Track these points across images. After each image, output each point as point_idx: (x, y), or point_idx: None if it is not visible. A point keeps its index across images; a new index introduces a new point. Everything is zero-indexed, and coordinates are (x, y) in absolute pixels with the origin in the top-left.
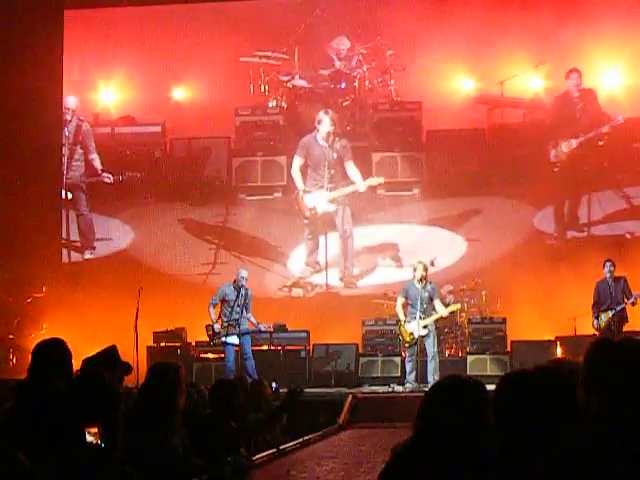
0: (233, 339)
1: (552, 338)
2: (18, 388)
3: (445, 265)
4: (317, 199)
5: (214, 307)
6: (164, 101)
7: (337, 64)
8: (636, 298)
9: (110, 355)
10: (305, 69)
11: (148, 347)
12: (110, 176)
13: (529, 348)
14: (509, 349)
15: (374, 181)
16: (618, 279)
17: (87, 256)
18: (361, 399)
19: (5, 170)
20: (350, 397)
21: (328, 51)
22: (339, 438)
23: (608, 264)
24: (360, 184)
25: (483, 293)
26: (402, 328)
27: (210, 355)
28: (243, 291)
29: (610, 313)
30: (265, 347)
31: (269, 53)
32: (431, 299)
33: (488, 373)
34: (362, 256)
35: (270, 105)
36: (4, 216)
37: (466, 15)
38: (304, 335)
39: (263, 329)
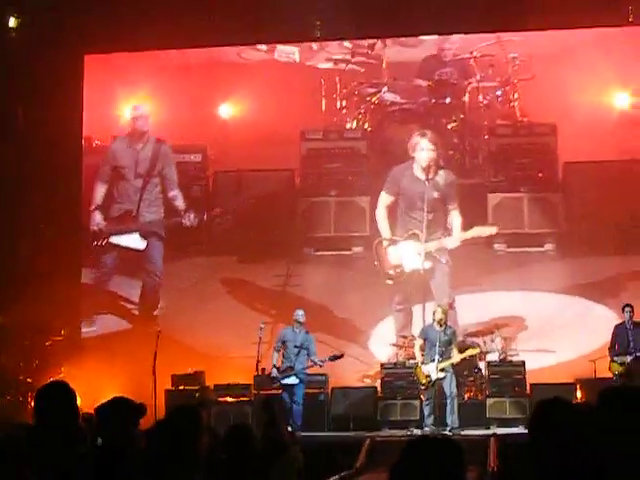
0: (290, 380)
1: (571, 381)
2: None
3: (589, 349)
4: (406, 252)
5: (277, 352)
6: (207, 120)
7: (440, 71)
8: None
9: (122, 402)
10: (397, 78)
11: (166, 390)
12: (192, 216)
13: (549, 391)
14: (529, 392)
15: (480, 231)
16: (636, 325)
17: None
18: (379, 442)
19: (27, 214)
20: (368, 440)
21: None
22: None
23: (627, 309)
24: (455, 236)
25: (500, 336)
26: (419, 370)
27: (229, 399)
28: (299, 333)
29: (628, 358)
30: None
31: (347, 56)
32: (450, 343)
33: (507, 416)
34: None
35: (348, 127)
36: (26, 259)
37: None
38: (323, 379)
39: (317, 361)
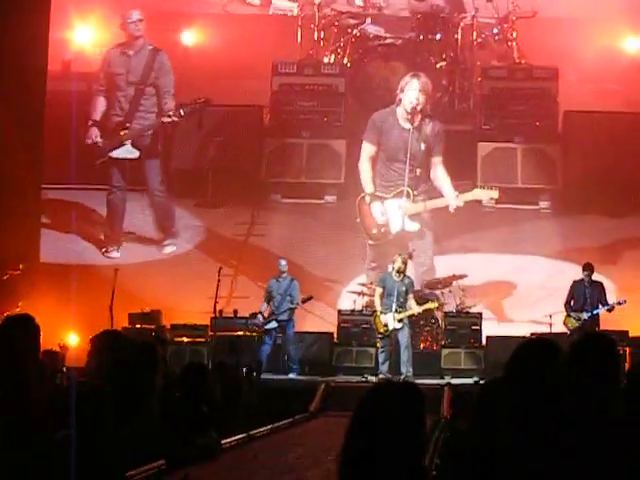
0: (270, 325)
1: (527, 334)
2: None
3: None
4: (392, 211)
5: (266, 302)
6: (168, 48)
7: (431, 3)
8: (613, 305)
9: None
10: (381, 8)
11: (123, 328)
12: (171, 113)
13: (504, 343)
14: (484, 344)
15: (481, 194)
16: (595, 283)
17: (113, 254)
18: (334, 387)
19: None
20: (323, 385)
21: None
22: (310, 426)
23: (588, 269)
24: (452, 197)
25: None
26: (377, 319)
27: (185, 339)
28: (283, 281)
29: (585, 315)
30: (241, 333)
31: None
32: (407, 292)
33: (462, 367)
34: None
35: (326, 61)
36: None
37: None
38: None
39: (292, 305)
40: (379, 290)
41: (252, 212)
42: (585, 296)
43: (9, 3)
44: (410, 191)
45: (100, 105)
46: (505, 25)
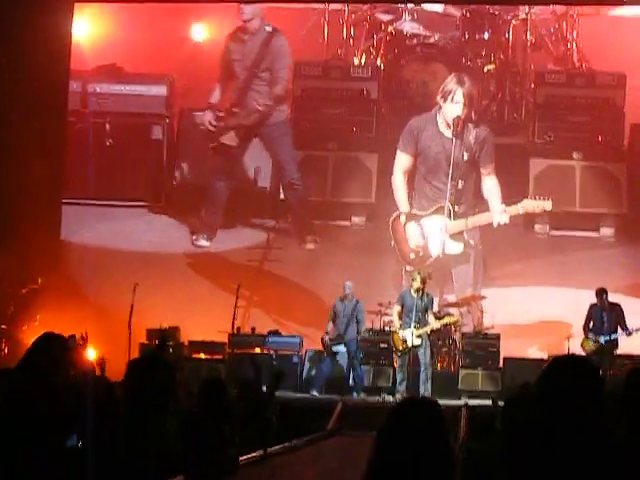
0: (338, 347)
1: (545, 357)
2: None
3: None
4: (431, 231)
5: (331, 321)
6: (175, 43)
7: None
8: (632, 331)
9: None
10: (421, 3)
11: (141, 344)
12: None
13: (521, 365)
14: (501, 365)
15: (531, 206)
16: (613, 306)
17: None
18: (351, 407)
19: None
20: (340, 404)
21: None
22: (326, 444)
23: (601, 293)
24: (499, 211)
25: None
26: (395, 336)
27: (202, 355)
28: (348, 303)
29: (602, 338)
30: (258, 350)
31: None
32: (426, 310)
33: (479, 388)
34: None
35: (356, 63)
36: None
37: None
38: (297, 340)
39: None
40: (397, 308)
41: (268, 234)
42: (602, 319)
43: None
44: (451, 207)
45: (216, 92)
46: (564, 23)
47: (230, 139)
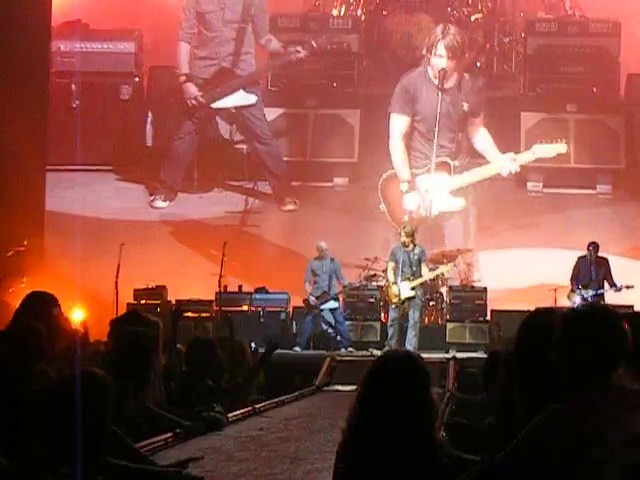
0: (329, 304)
1: (532, 308)
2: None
3: None
4: (432, 188)
5: (308, 282)
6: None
7: None
8: (621, 287)
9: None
10: None
11: (128, 304)
12: (300, 48)
13: (509, 317)
14: (489, 318)
15: (545, 151)
16: (601, 260)
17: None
18: (339, 362)
19: None
20: (328, 359)
21: None
22: (314, 399)
23: (592, 246)
24: (508, 160)
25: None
26: (389, 290)
27: (190, 314)
28: (325, 261)
29: (590, 292)
30: (245, 308)
31: None
32: (419, 262)
33: (467, 341)
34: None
35: (335, 14)
36: None
37: None
38: (285, 297)
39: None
40: (391, 264)
41: (246, 196)
42: (591, 273)
43: None
44: (450, 162)
45: (185, 53)
46: None
47: (244, 99)
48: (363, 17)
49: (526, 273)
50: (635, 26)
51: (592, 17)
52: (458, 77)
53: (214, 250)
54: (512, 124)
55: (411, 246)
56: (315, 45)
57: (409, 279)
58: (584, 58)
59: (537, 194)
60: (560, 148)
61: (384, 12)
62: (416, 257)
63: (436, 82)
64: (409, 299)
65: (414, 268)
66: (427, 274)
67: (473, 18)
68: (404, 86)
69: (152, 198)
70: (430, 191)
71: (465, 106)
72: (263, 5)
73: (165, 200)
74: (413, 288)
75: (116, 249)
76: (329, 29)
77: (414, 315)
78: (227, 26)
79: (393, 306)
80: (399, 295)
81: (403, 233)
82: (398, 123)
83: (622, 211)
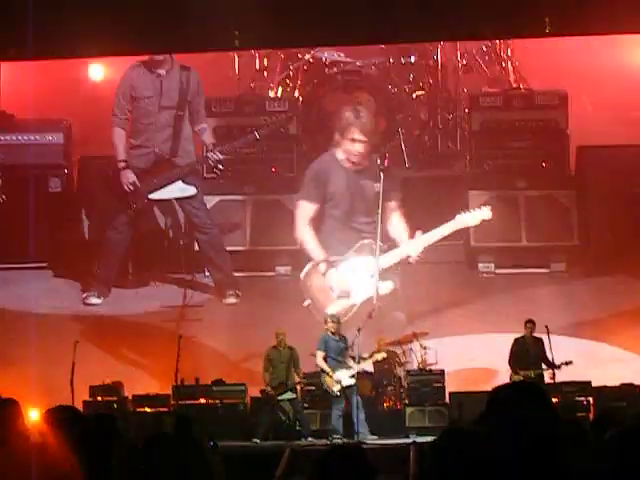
0: (285, 395)
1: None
2: None
3: None
4: (356, 274)
5: (267, 371)
6: (71, 86)
7: None
8: (560, 365)
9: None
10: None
11: (84, 402)
12: (219, 154)
13: (467, 399)
14: (448, 401)
15: (468, 220)
16: (536, 341)
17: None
18: (299, 452)
19: None
20: (288, 449)
21: None
22: None
23: (529, 324)
24: (409, 242)
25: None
26: (327, 378)
27: (147, 409)
28: (283, 350)
29: (532, 373)
30: (203, 400)
31: None
32: (347, 350)
33: (427, 425)
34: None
35: (271, 96)
36: None
37: None
38: (242, 388)
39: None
40: (322, 354)
41: (185, 290)
42: (528, 353)
43: None
44: (371, 243)
45: (121, 139)
46: (497, 41)
47: (182, 190)
48: (300, 98)
49: (481, 356)
50: (582, 96)
51: (538, 89)
52: (370, 159)
53: (159, 346)
54: (459, 203)
55: (338, 335)
56: (259, 137)
57: (347, 368)
58: (531, 132)
59: (489, 275)
60: (484, 214)
61: (321, 92)
62: (344, 345)
63: (347, 165)
64: (349, 387)
65: (343, 357)
66: (367, 360)
67: (415, 95)
68: (315, 171)
69: (84, 295)
70: (356, 274)
71: (377, 187)
72: (200, 90)
73: (99, 296)
74: (352, 376)
75: (65, 346)
76: (265, 112)
77: (357, 397)
78: (163, 112)
79: (336, 395)
80: (340, 382)
81: (330, 322)
82: (305, 210)
83: (577, 290)
